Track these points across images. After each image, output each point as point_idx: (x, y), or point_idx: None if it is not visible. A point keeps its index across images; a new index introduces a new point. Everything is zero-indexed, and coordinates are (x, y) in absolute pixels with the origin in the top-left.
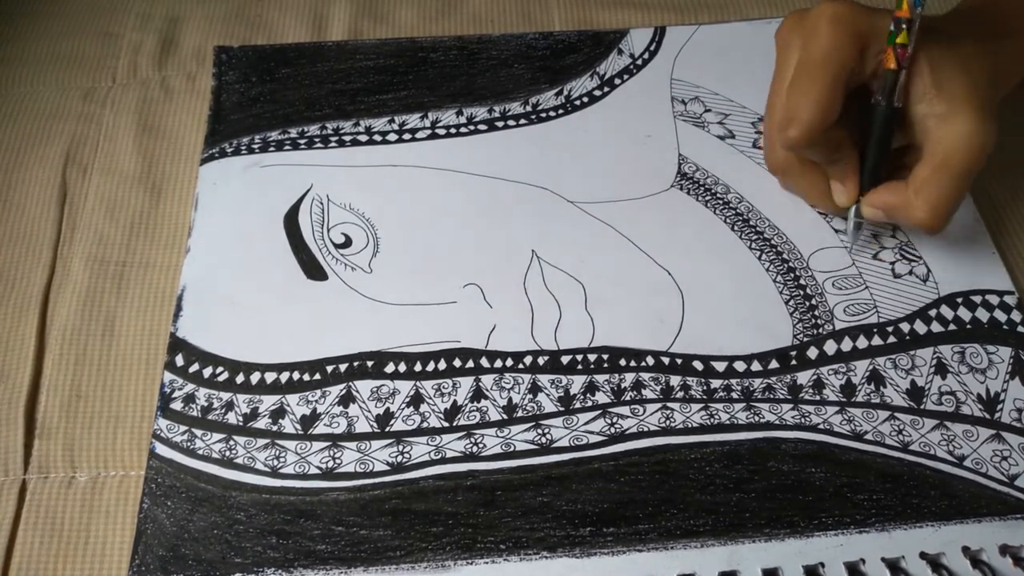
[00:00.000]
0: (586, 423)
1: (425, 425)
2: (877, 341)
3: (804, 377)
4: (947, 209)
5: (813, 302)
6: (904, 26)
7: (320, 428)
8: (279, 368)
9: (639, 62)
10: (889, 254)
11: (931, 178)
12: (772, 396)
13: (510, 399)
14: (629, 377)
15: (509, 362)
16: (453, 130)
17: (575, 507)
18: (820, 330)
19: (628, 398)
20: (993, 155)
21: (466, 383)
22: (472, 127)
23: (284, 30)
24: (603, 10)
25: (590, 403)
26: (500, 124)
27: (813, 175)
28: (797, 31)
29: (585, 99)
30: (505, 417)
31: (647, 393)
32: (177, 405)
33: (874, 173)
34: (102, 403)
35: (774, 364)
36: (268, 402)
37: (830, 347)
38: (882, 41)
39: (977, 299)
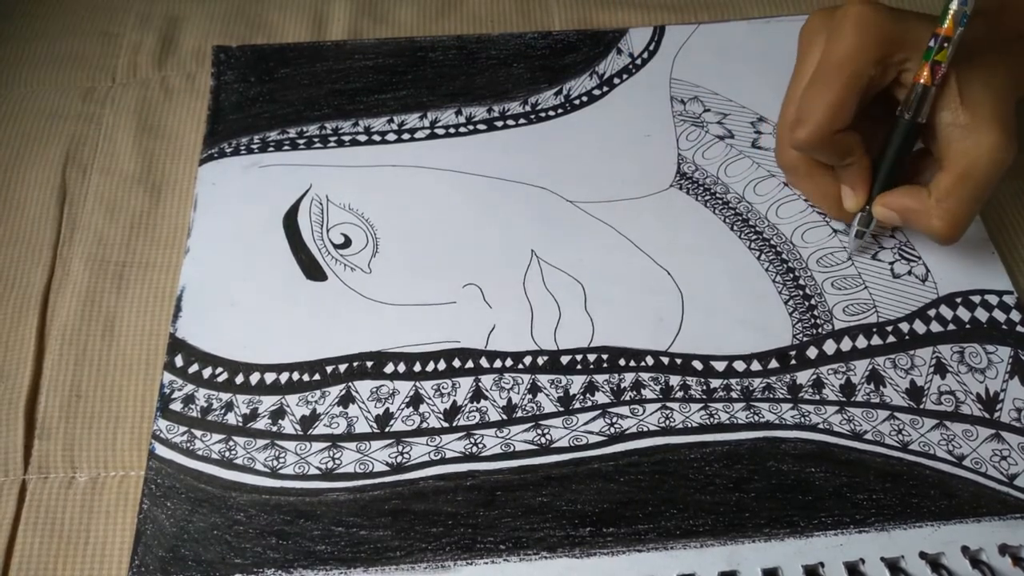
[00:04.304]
0: (586, 423)
1: (425, 425)
2: (876, 341)
3: (804, 377)
4: (966, 220)
5: (812, 302)
6: (945, 44)
7: (320, 428)
8: (278, 369)
9: (638, 62)
10: (888, 254)
11: (953, 188)
12: (772, 396)
13: (510, 399)
14: (629, 377)
15: (509, 362)
16: (452, 130)
17: (575, 507)
18: (819, 330)
19: (628, 398)
20: None
21: (466, 383)
22: (471, 127)
23: (284, 30)
24: (603, 10)
25: (590, 403)
26: (499, 124)
27: (820, 178)
28: (822, 29)
29: (584, 98)
30: (505, 417)
31: (647, 393)
32: (177, 406)
33: (887, 182)
34: (102, 403)
35: (774, 364)
36: (268, 403)
37: (829, 347)
38: (907, 49)
39: (976, 299)
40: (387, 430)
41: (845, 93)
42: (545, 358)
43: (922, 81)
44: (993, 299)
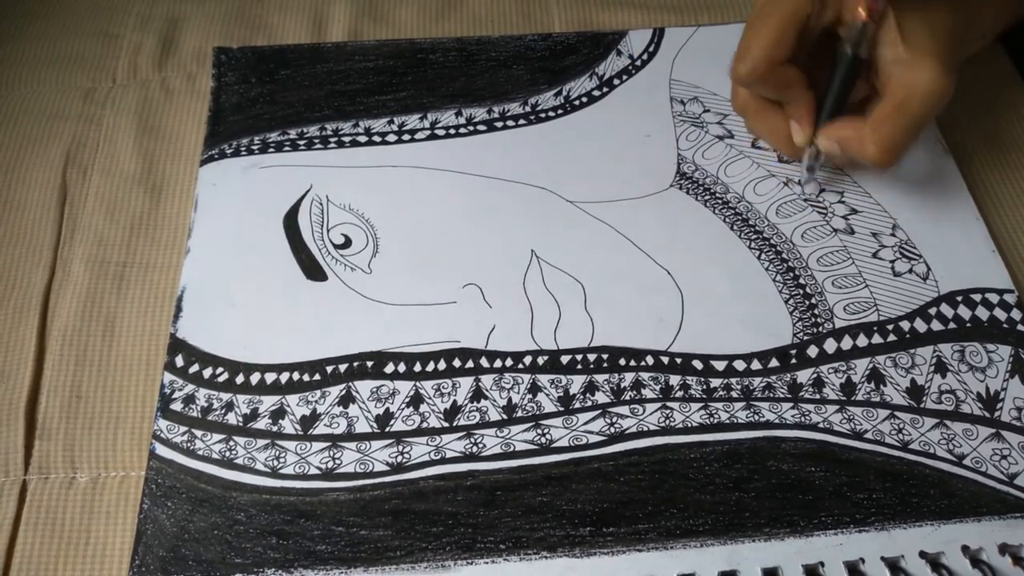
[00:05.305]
0: (586, 423)
1: (425, 425)
2: (877, 339)
3: (804, 376)
4: (898, 148)
5: (813, 301)
6: None
7: (320, 428)
8: (279, 368)
9: (638, 63)
10: (889, 252)
11: (888, 116)
12: (772, 395)
13: (510, 399)
14: (629, 377)
15: (509, 362)
16: (452, 131)
17: (575, 507)
18: (820, 329)
19: (628, 398)
20: (994, 154)
21: (466, 383)
22: (471, 128)
23: (284, 31)
24: (603, 11)
25: (590, 403)
26: (499, 125)
27: (770, 116)
28: None
29: (584, 99)
30: (505, 417)
31: (647, 393)
32: (177, 406)
33: (831, 115)
34: (102, 404)
35: (774, 363)
36: (268, 403)
37: (830, 346)
38: None
39: (977, 297)
40: (387, 430)
41: (782, 26)
42: (545, 358)
43: (861, 19)
44: (994, 298)
